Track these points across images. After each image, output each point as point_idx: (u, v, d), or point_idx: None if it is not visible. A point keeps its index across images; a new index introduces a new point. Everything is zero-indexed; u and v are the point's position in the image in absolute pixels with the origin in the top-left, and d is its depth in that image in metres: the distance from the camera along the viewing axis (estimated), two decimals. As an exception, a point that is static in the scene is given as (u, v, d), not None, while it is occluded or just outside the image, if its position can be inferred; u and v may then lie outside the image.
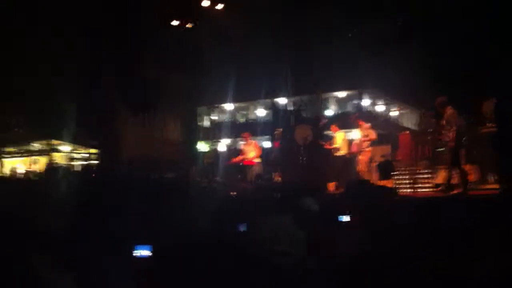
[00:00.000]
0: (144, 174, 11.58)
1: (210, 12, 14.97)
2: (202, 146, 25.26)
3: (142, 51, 15.21)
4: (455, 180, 8.89)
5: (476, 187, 9.48)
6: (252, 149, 12.48)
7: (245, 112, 31.40)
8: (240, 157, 12.75)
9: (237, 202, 8.12)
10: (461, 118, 9.00)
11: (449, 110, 8.84)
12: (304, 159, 11.80)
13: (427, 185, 10.05)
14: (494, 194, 8.41)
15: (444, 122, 8.96)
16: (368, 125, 11.02)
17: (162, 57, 15.91)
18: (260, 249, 5.14)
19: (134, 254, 4.06)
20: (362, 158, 10.78)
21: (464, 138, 10.65)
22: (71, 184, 13.51)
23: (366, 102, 22.58)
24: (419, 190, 10.17)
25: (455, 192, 8.63)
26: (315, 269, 4.95)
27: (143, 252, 4.01)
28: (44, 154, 23.89)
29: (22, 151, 24.38)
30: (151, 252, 4.00)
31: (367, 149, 10.72)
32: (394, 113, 23.49)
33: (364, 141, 10.65)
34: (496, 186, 8.96)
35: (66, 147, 24.70)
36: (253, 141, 12.99)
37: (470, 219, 6.06)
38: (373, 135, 10.77)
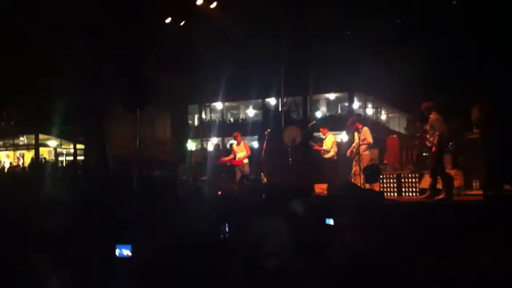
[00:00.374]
0: (130, 171, 11.52)
1: (203, 11, 14.93)
2: (191, 145, 25.22)
3: (133, 49, 15.13)
4: (440, 185, 8.94)
5: (460, 193, 9.53)
6: (243, 149, 12.47)
7: (235, 112, 31.37)
8: (230, 157, 12.73)
9: (222, 202, 8.11)
10: (446, 124, 9.04)
11: (434, 116, 8.89)
12: (292, 160, 11.79)
13: (412, 189, 10.10)
14: (478, 200, 8.47)
15: (428, 127, 9.02)
16: (366, 128, 10.98)
17: (153, 55, 15.84)
18: (242, 250, 5.13)
19: (115, 253, 4.04)
20: (360, 162, 10.70)
21: (450, 144, 10.73)
22: (55, 179, 13.47)
23: (355, 104, 22.69)
24: (404, 194, 10.21)
25: (440, 197, 8.67)
26: (299, 270, 4.95)
27: (124, 251, 3.99)
28: (31, 149, 23.73)
29: (8, 145, 24.19)
30: (131, 251, 3.98)
31: (364, 152, 10.66)
32: (382, 116, 23.60)
33: (362, 144, 10.61)
34: (480, 192, 9.01)
35: (53, 142, 24.54)
36: (244, 141, 12.98)
37: (454, 225, 6.10)
38: (370, 138, 10.74)
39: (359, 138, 10.60)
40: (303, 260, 5.08)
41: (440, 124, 8.85)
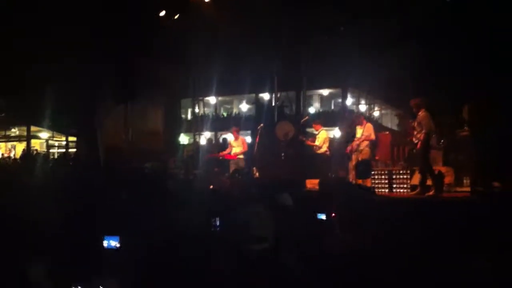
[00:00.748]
0: (121, 163, 11.51)
1: (198, 5, 14.88)
2: (184, 138, 25.16)
3: (126, 41, 15.07)
4: (430, 182, 9.00)
5: (451, 190, 9.59)
6: (240, 144, 12.51)
7: (228, 106, 31.32)
8: (226, 151, 12.77)
9: (214, 196, 8.11)
10: (434, 122, 9.09)
11: (422, 113, 8.95)
12: (284, 155, 11.81)
13: (403, 185, 10.13)
14: (468, 197, 8.53)
15: (416, 124, 9.08)
16: (370, 124, 10.99)
17: (147, 47, 15.79)
18: (233, 243, 5.14)
19: (103, 244, 4.04)
20: (359, 157, 10.70)
21: (442, 141, 10.80)
22: (46, 170, 13.42)
23: (349, 101, 22.71)
24: (395, 190, 10.25)
25: (430, 194, 8.73)
26: (288, 264, 4.97)
27: (112, 242, 3.98)
28: (23, 140, 23.62)
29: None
30: (119, 243, 3.97)
31: (365, 148, 10.66)
32: (375, 113, 23.65)
33: (364, 140, 10.62)
34: (469, 189, 9.08)
35: (44, 134, 24.42)
36: (241, 137, 13.02)
37: (443, 221, 6.15)
38: (373, 135, 10.74)
39: (362, 134, 10.63)
40: (292, 253, 5.11)
41: (428, 121, 8.90)
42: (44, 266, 3.99)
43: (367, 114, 21.19)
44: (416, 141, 9.00)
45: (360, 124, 10.81)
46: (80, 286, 3.64)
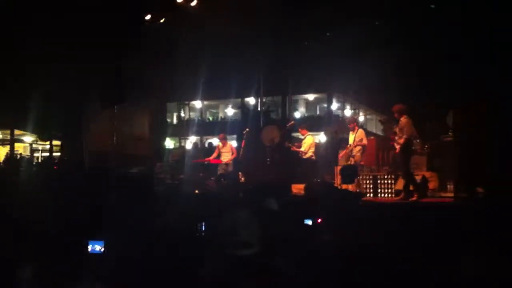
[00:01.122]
0: (106, 167, 11.42)
1: (184, 9, 14.85)
2: (170, 143, 25.07)
3: (112, 45, 14.98)
4: (414, 187, 9.08)
5: (434, 195, 9.69)
6: (229, 150, 12.56)
7: (214, 111, 31.27)
8: (213, 156, 12.76)
9: (199, 200, 8.09)
10: (415, 128, 9.20)
11: (404, 119, 9.05)
12: (270, 160, 11.83)
13: (388, 190, 10.21)
14: (451, 202, 8.62)
15: (397, 129, 9.18)
16: (362, 130, 11.07)
17: (133, 50, 15.71)
18: (218, 248, 5.14)
19: (87, 249, 4.00)
20: (352, 162, 10.74)
21: (426, 146, 10.90)
22: (30, 174, 13.27)
23: (334, 106, 22.84)
24: (380, 195, 10.32)
25: (413, 199, 8.80)
26: (275, 269, 4.97)
27: (96, 247, 3.95)
28: (6, 144, 23.33)
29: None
30: (104, 247, 3.94)
31: (358, 154, 10.70)
32: (360, 118, 23.82)
33: (357, 145, 10.67)
34: (453, 194, 9.18)
35: (28, 138, 24.16)
36: (229, 143, 13.03)
37: (426, 226, 6.20)
38: (365, 140, 10.80)
39: (354, 139, 10.68)
40: (278, 258, 5.11)
41: (409, 127, 9.00)
42: (26, 270, 3.95)
43: (352, 119, 21.36)
44: (397, 146, 9.10)
45: (353, 129, 10.87)
46: None
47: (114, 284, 3.89)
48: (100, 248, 3.92)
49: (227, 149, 12.62)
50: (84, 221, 4.71)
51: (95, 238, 3.93)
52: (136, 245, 4.30)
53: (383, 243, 5.32)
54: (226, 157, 12.49)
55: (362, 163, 11.83)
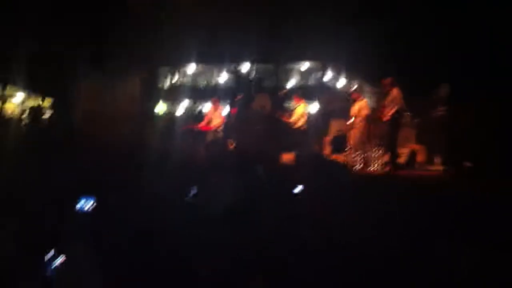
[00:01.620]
0: (95, 129, 11.37)
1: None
2: (161, 107, 24.88)
3: (102, 5, 14.76)
4: (402, 159, 9.15)
5: (422, 167, 9.78)
6: (218, 116, 12.46)
7: (207, 76, 30.93)
8: (203, 122, 12.68)
9: (190, 166, 8.12)
10: (404, 101, 9.21)
11: (395, 91, 9.06)
12: (260, 128, 11.80)
13: (376, 162, 10.27)
14: (439, 175, 8.70)
15: (387, 101, 9.19)
16: (364, 100, 10.96)
17: (122, 11, 15.48)
18: (208, 211, 5.19)
19: (77, 206, 4.05)
20: (353, 133, 10.68)
21: (415, 120, 10.94)
22: (20, 131, 13.21)
23: (328, 76, 22.66)
24: (369, 168, 10.39)
25: (402, 171, 8.89)
26: (259, 232, 5.04)
27: (86, 204, 4.00)
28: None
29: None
30: (94, 203, 3.99)
31: (360, 124, 10.58)
32: (353, 89, 23.71)
33: (357, 116, 10.57)
34: (440, 167, 9.26)
35: (19, 94, 23.88)
36: (220, 108, 12.95)
37: (410, 198, 6.27)
38: (365, 110, 10.65)
39: (358, 110, 10.57)
40: (263, 224, 5.18)
41: (399, 99, 9.03)
42: (15, 227, 3.98)
43: (346, 90, 21.28)
44: (384, 119, 9.13)
45: (356, 100, 10.76)
46: (54, 249, 3.64)
47: (102, 242, 3.95)
48: (90, 205, 3.97)
49: (217, 114, 12.54)
50: (73, 179, 4.74)
51: (85, 195, 3.98)
52: (125, 207, 4.35)
53: (365, 214, 5.40)
54: (216, 121, 12.42)
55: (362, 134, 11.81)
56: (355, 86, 12.30)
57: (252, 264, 4.31)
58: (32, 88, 20.32)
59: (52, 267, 3.60)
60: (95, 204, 4.03)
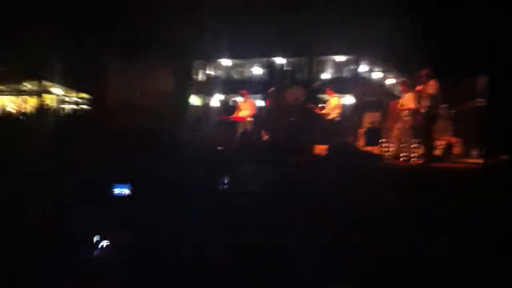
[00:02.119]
0: (130, 122, 11.55)
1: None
2: (195, 100, 25.15)
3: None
4: (438, 152, 9.00)
5: (458, 160, 9.59)
6: (248, 107, 12.50)
7: (240, 69, 31.10)
8: (234, 114, 12.76)
9: (222, 156, 8.18)
10: (440, 93, 9.04)
11: (432, 83, 8.90)
12: (293, 119, 11.80)
13: (411, 155, 10.11)
14: (476, 168, 8.52)
15: (423, 93, 9.04)
16: (411, 93, 10.70)
17: (158, 8, 15.65)
18: (240, 201, 5.23)
19: (113, 192, 4.15)
20: (399, 126, 10.49)
21: (452, 112, 10.73)
22: (59, 126, 13.53)
23: (362, 68, 22.45)
24: (403, 159, 10.23)
25: (437, 163, 8.75)
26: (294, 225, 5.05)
27: (123, 190, 4.09)
28: (35, 95, 23.66)
29: (11, 89, 24.04)
30: (131, 190, 4.08)
31: (405, 118, 10.35)
32: (389, 81, 23.41)
33: (403, 109, 10.35)
34: (478, 160, 9.07)
35: (57, 90, 24.45)
36: (250, 99, 12.98)
37: (447, 192, 6.17)
38: (411, 104, 10.39)
39: (406, 102, 10.38)
40: (298, 212, 5.19)
41: (437, 91, 8.87)
42: (56, 214, 4.10)
43: (380, 82, 21.06)
44: (421, 111, 8.99)
45: (406, 92, 10.55)
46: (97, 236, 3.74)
47: (139, 229, 4.04)
48: (127, 191, 4.06)
49: (246, 105, 12.60)
50: (110, 167, 4.84)
51: (121, 182, 4.08)
52: (160, 194, 4.43)
53: (397, 207, 5.35)
54: (245, 113, 12.48)
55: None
56: (404, 79, 11.94)
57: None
58: (67, 82, 20.84)
59: (97, 251, 3.72)
60: (132, 190, 4.13)
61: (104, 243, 3.74)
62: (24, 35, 15.75)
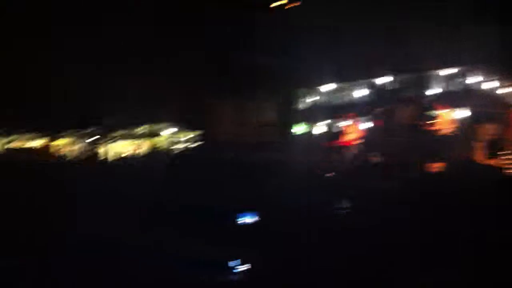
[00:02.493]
0: (243, 155, 11.92)
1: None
2: (299, 128, 25.33)
3: (239, 36, 15.51)
4: None
5: None
6: (354, 130, 12.47)
7: (343, 93, 30.87)
8: (341, 138, 12.75)
9: (335, 183, 8.20)
10: None
11: None
12: (405, 138, 11.55)
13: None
14: None
15: None
16: None
17: (260, 41, 16.12)
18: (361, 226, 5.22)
19: (238, 222, 4.36)
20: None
21: None
22: (174, 166, 14.31)
23: (472, 79, 21.41)
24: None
25: None
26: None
27: (247, 219, 4.28)
28: (147, 138, 25.12)
29: (124, 135, 25.66)
30: (258, 217, 4.26)
31: None
32: (503, 90, 22.07)
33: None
34: None
35: (167, 131, 25.81)
36: (356, 122, 12.95)
37: None
38: None
39: None
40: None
41: None
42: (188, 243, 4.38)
43: (493, 92, 19.95)
44: None
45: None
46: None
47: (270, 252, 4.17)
48: (254, 219, 4.24)
49: (352, 128, 12.56)
50: (234, 198, 5.06)
51: (246, 211, 4.26)
52: (285, 221, 4.56)
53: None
54: (352, 137, 12.41)
55: (506, 137, 11.04)
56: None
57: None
58: (179, 122, 21.97)
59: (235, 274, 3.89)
60: (258, 219, 4.31)
61: (244, 267, 3.91)
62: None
